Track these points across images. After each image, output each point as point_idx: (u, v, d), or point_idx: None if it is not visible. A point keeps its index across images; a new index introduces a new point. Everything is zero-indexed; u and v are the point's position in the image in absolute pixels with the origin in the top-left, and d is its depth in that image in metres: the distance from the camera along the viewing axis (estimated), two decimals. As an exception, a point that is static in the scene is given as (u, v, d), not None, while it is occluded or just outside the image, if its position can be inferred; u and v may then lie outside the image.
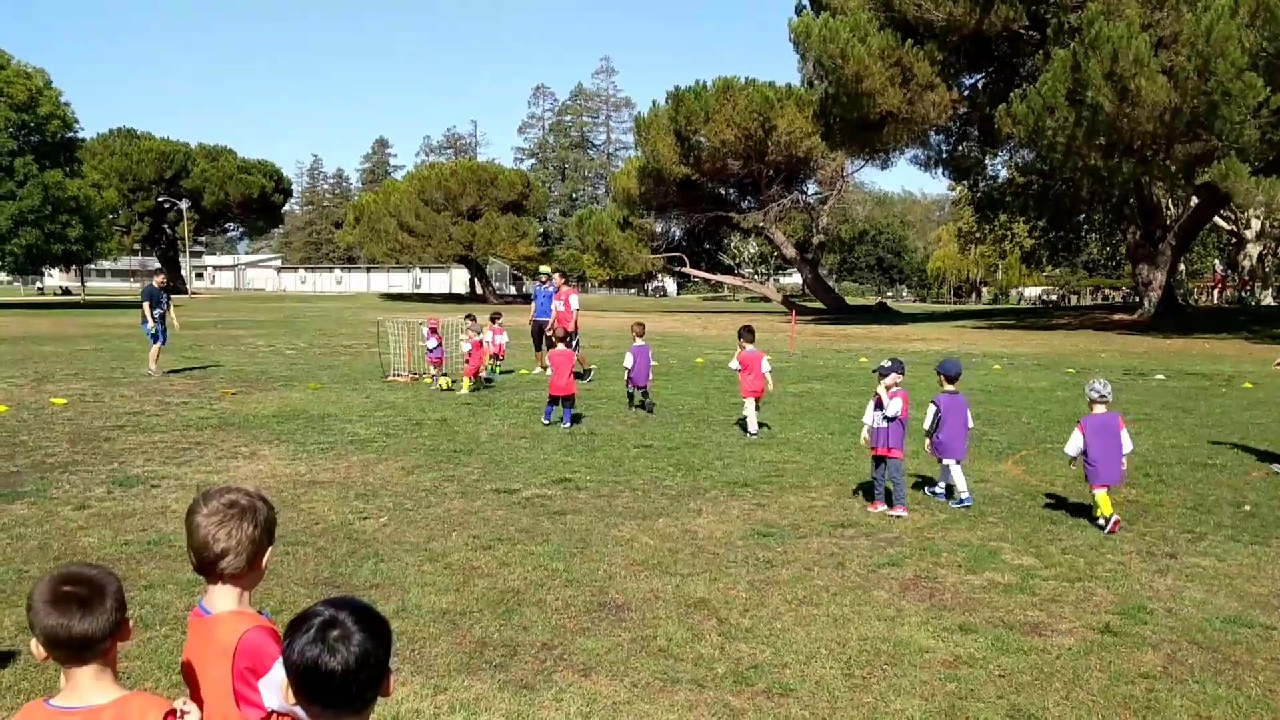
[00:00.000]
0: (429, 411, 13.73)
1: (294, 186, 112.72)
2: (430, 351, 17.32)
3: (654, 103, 54.53)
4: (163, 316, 18.05)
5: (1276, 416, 14.65)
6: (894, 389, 8.44)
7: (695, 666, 4.97)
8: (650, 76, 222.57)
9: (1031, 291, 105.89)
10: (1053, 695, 4.71)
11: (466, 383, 16.20)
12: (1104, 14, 30.26)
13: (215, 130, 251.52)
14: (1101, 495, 7.92)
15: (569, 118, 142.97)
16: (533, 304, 20.57)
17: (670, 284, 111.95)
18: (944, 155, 45.59)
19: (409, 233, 76.39)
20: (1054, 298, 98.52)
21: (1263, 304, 53.89)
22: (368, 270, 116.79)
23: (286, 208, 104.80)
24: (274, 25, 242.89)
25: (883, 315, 53.09)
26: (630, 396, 14.42)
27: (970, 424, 8.97)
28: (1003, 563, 6.94)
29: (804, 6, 41.55)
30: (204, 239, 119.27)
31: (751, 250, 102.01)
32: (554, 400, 12.90)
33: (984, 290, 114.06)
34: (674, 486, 9.25)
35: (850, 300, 69.10)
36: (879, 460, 8.52)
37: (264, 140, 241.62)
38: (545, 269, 21.03)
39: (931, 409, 8.87)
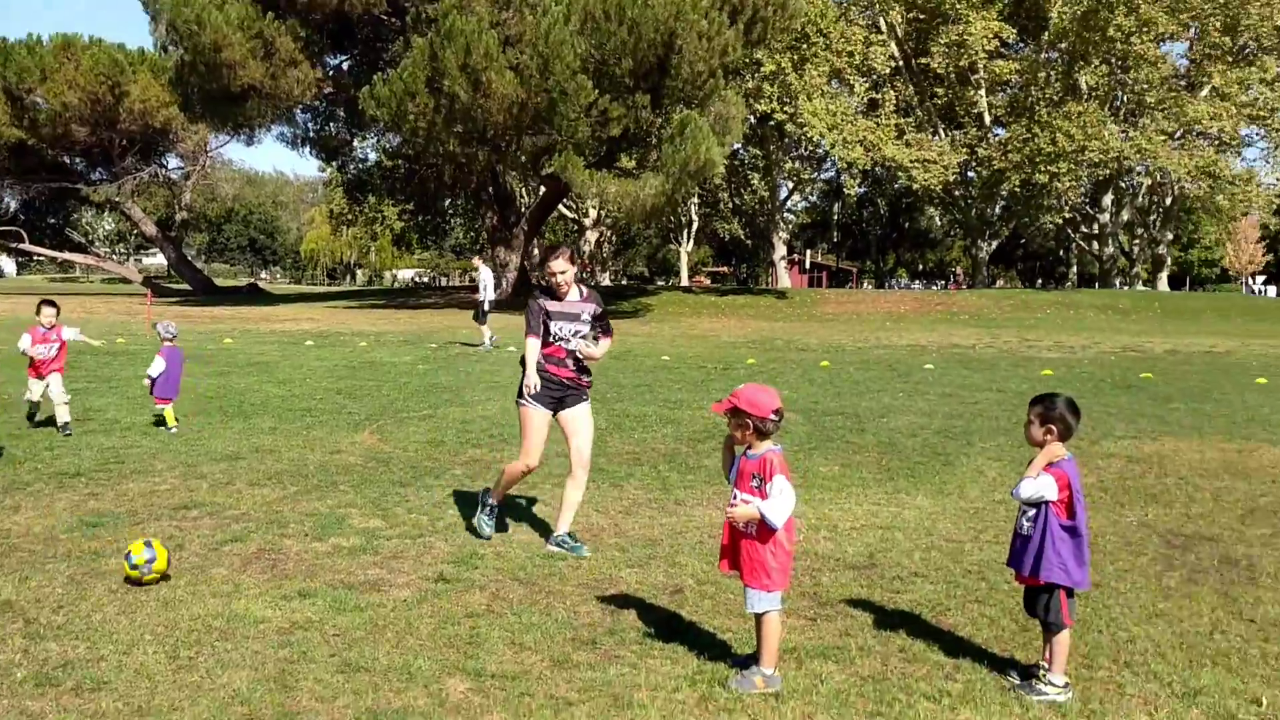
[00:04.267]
0: None
1: None
2: None
3: (-25, 54, 47.38)
4: None
5: (602, 378, 16.57)
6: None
7: (-10, 675, 4.38)
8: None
9: (405, 273, 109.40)
10: (384, 645, 4.84)
11: None
12: (457, 8, 31.91)
13: None
14: (167, 410, 10.82)
15: None
16: None
17: (8, 263, 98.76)
18: (311, 135, 45.29)
19: None
20: (425, 279, 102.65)
21: (602, 284, 60.75)
22: None
23: None
24: None
25: (254, 296, 51.43)
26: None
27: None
28: (350, 527, 7.03)
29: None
30: None
31: (108, 227, 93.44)
32: None
33: (359, 272, 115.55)
34: (-14, 482, 8.12)
35: (220, 282, 65.91)
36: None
37: None
38: None
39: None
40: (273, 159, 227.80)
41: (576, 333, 6.68)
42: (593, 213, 64.33)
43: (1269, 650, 4.98)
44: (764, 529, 4.48)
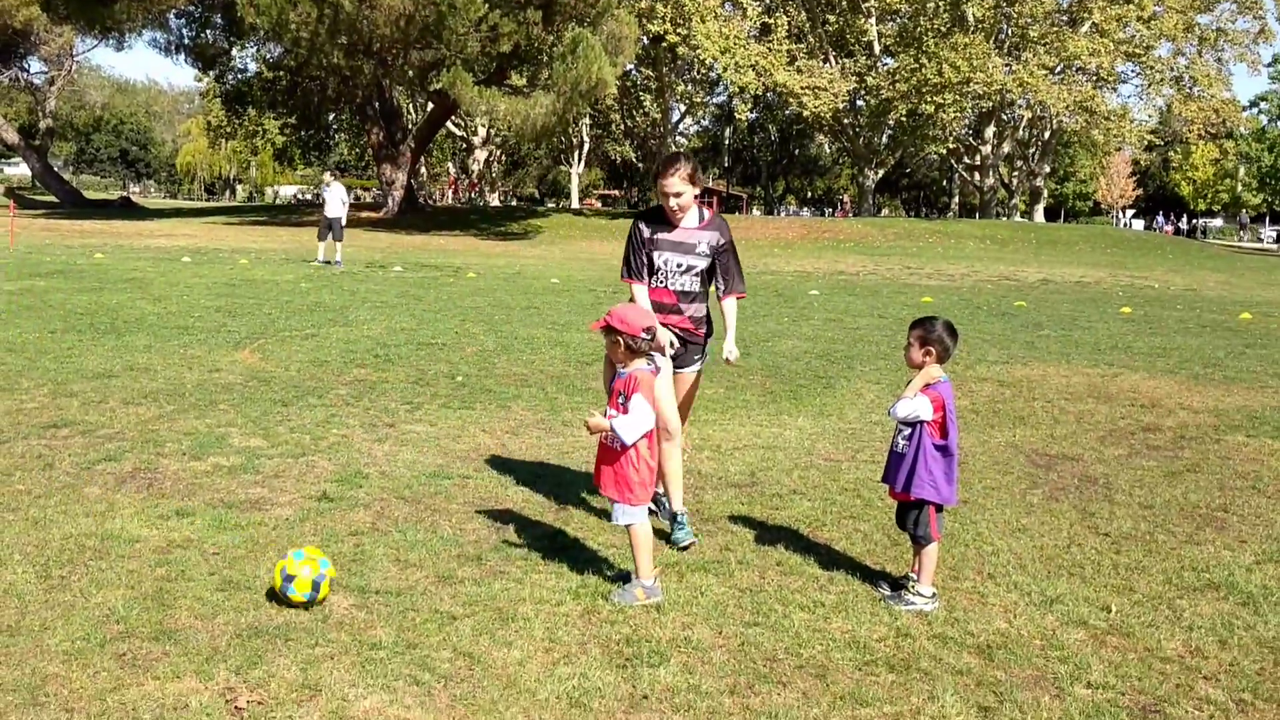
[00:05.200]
0: None
1: None
2: None
3: None
4: None
5: (490, 300, 16.47)
6: None
7: None
8: None
9: (287, 190, 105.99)
10: (265, 564, 4.80)
11: None
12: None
13: None
14: None
15: None
16: None
17: None
18: (186, 42, 43.31)
19: None
20: (309, 196, 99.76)
21: (490, 204, 59.92)
22: None
23: None
24: None
25: (126, 210, 49.32)
26: None
27: None
28: (229, 446, 6.90)
29: None
30: None
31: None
32: None
33: (239, 188, 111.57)
34: None
35: (90, 194, 62.94)
36: None
37: None
38: None
39: None
40: (146, 67, 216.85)
41: (687, 269, 5.35)
42: (482, 131, 63.18)
43: (1120, 561, 5.29)
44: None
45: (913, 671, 4.00)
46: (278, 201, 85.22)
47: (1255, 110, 69.13)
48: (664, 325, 5.17)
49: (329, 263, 22.20)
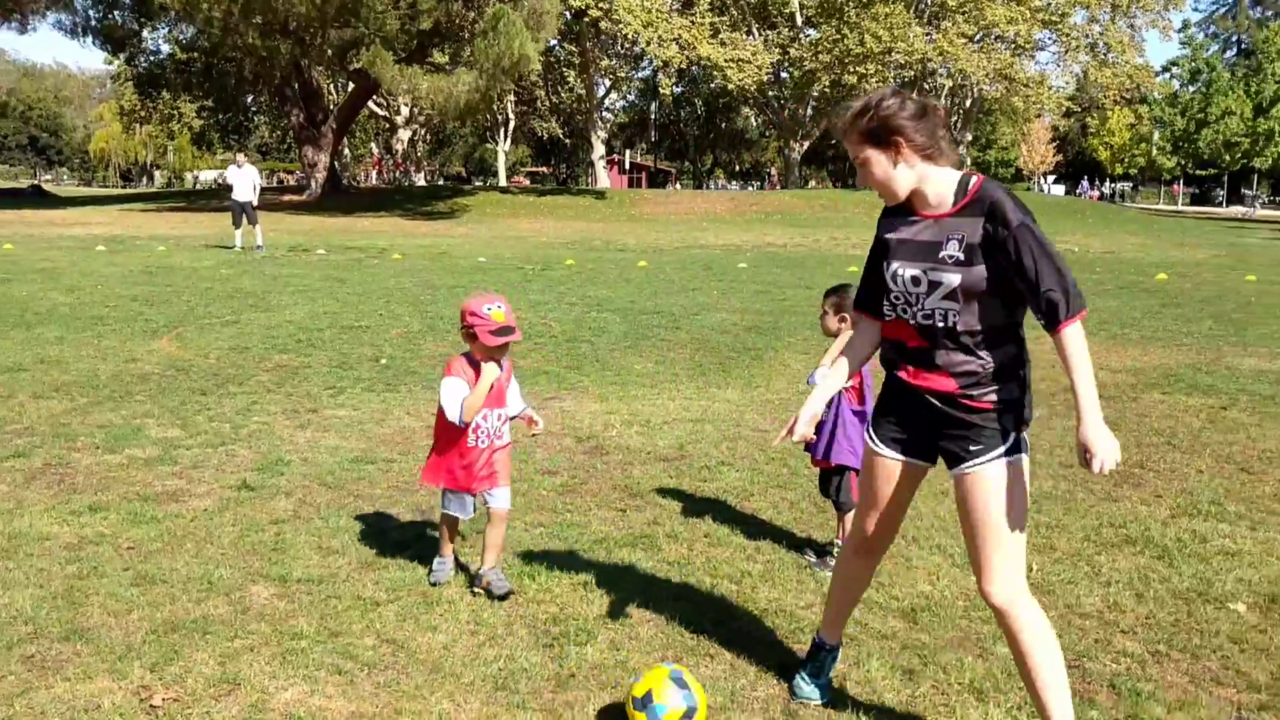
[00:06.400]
0: None
1: None
2: None
3: None
4: None
5: (416, 281, 16.27)
6: None
7: None
8: None
9: (207, 174, 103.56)
10: (183, 557, 4.68)
11: None
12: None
13: None
14: None
15: None
16: None
17: None
18: (93, 23, 41.97)
19: None
20: (230, 181, 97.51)
21: (416, 185, 59.16)
22: None
23: None
24: None
25: (38, 199, 47.86)
26: None
27: None
28: (146, 438, 6.72)
29: None
30: None
31: None
32: None
33: (157, 174, 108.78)
34: None
35: (-2, 183, 60.89)
36: None
37: None
38: None
39: None
40: (53, 50, 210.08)
41: (928, 286, 3.06)
42: (405, 110, 62.25)
43: (1040, 521, 5.38)
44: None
45: (839, 638, 4.02)
46: (198, 186, 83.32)
47: (1168, 75, 70.55)
48: (904, 383, 3.21)
49: (248, 249, 21.73)
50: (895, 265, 3.14)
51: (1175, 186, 79.75)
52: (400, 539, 4.99)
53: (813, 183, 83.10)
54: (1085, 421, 2.96)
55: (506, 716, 3.41)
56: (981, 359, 3.09)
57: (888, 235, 3.20)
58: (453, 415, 4.20)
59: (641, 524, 5.29)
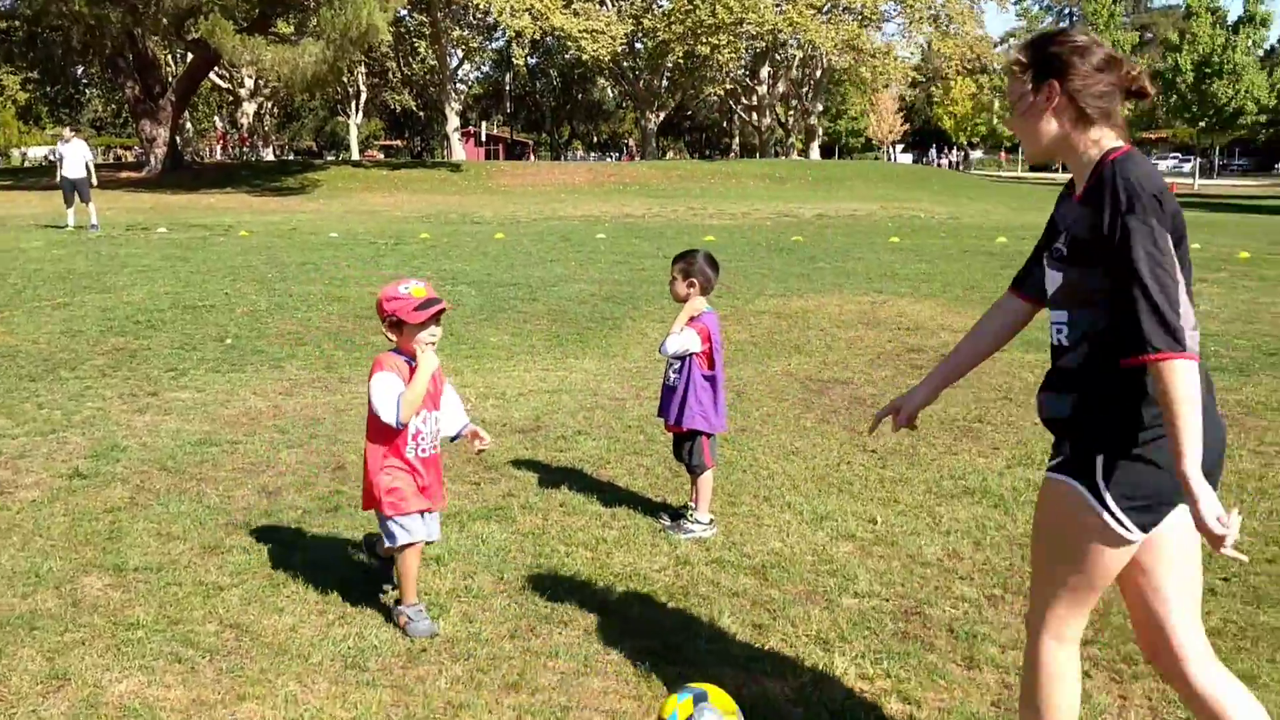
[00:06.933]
0: None
1: None
2: None
3: None
4: None
5: (264, 259, 15.75)
6: None
7: None
8: None
9: (36, 151, 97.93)
10: (8, 551, 4.44)
11: None
12: None
13: None
14: None
15: None
16: None
17: None
18: (-99, -11, 39.07)
19: None
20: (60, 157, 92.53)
21: (264, 160, 57.19)
22: None
23: None
24: None
25: None
26: None
27: None
28: (-33, 429, 6.34)
29: None
30: None
31: None
32: None
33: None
34: None
35: None
36: None
37: None
38: None
39: None
40: None
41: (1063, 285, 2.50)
42: (249, 82, 60.01)
43: (885, 476, 5.55)
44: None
45: (691, 597, 4.08)
46: (26, 164, 78.74)
47: (1005, 46, 73.35)
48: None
49: (82, 228, 20.65)
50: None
51: (1002, 153, 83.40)
52: (245, 521, 4.84)
53: (670, 153, 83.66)
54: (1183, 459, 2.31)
55: (356, 695, 3.34)
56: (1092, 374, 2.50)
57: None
58: (389, 415, 3.68)
59: (496, 496, 5.25)
